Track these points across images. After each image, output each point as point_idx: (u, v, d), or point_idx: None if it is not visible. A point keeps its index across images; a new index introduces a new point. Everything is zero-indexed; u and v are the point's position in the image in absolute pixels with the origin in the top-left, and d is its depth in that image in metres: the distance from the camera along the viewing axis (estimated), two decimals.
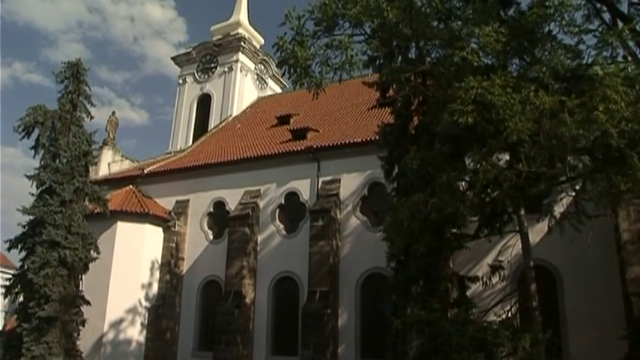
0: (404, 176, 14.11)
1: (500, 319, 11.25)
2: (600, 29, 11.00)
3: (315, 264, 19.71)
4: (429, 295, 13.00)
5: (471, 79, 8.14)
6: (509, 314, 11.46)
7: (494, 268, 14.18)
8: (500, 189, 8.69)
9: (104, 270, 20.83)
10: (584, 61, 11.67)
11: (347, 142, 21.09)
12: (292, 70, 9.87)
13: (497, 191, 9.09)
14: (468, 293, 14.56)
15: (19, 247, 18.43)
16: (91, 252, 17.76)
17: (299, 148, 21.99)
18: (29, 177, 18.79)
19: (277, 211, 22.09)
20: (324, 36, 9.61)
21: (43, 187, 18.24)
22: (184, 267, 23.37)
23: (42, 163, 18.98)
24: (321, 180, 21.38)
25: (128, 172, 26.49)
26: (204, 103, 32.30)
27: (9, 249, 18.99)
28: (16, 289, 17.89)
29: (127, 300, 21.65)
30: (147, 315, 22.00)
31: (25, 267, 17.07)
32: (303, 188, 21.76)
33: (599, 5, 13.99)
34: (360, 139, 20.74)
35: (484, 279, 14.66)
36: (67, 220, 16.96)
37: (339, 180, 21.09)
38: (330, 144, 21.41)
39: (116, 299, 21.32)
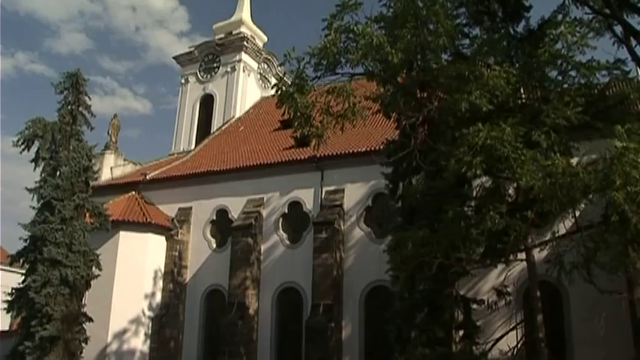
0: (409, 198, 13.84)
1: (505, 357, 11.01)
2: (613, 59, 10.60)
3: (319, 277, 19.54)
4: (433, 322, 12.82)
5: (479, 126, 7.80)
6: (515, 351, 11.22)
7: (500, 293, 13.96)
8: (508, 238, 8.39)
9: (107, 280, 20.63)
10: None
11: (351, 151, 20.75)
12: (293, 115, 9.55)
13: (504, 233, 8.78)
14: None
15: (22, 261, 18.36)
16: (93, 269, 17.62)
17: (302, 157, 21.66)
18: (30, 190, 18.64)
19: (281, 220, 21.88)
20: (324, 75, 9.27)
21: (44, 201, 18.06)
22: (187, 275, 23.24)
23: (42, 176, 18.83)
24: (324, 189, 21.13)
25: (130, 177, 26.27)
26: (207, 103, 31.88)
27: (11, 263, 18.95)
28: (19, 304, 17.81)
29: (131, 310, 21.57)
30: (150, 325, 21.94)
31: (27, 284, 16.93)
32: (307, 198, 21.52)
33: (610, 20, 13.53)
34: (364, 149, 20.41)
35: (489, 301, 14.48)
36: (67, 237, 16.79)
37: (343, 190, 20.83)
38: (334, 153, 21.06)
39: (119, 309, 21.25)
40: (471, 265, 13.00)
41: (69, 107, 19.53)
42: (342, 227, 20.36)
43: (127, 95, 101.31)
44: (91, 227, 17.74)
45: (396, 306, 13.72)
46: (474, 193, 11.39)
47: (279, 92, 9.53)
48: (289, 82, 9.32)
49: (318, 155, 21.19)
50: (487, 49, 9.26)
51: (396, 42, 8.55)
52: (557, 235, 9.31)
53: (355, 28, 8.73)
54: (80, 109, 19.73)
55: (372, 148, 19.88)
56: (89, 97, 20.05)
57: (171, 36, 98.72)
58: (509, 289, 14.00)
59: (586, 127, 9.51)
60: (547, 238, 9.55)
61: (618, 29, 13.93)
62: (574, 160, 12.66)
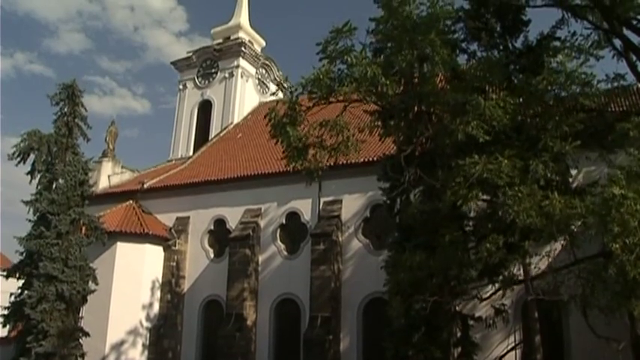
0: (405, 217, 13.69)
1: None
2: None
3: (316, 289, 19.44)
4: (430, 342, 12.70)
5: (475, 157, 7.67)
6: None
7: (498, 311, 13.83)
8: (505, 270, 8.28)
9: (104, 291, 20.53)
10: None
11: (348, 162, 20.54)
12: (286, 148, 9.42)
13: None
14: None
15: (17, 274, 18.28)
16: (89, 283, 17.53)
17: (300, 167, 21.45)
18: (26, 202, 18.56)
19: (278, 230, 21.77)
20: (319, 103, 9.13)
21: (39, 214, 17.96)
22: (185, 285, 23.16)
23: (38, 188, 18.76)
24: (322, 200, 20.98)
25: (128, 185, 26.18)
26: (205, 109, 31.75)
27: (7, 277, 18.84)
28: (15, 318, 17.73)
29: (128, 321, 21.51)
30: (148, 336, 21.88)
31: (23, 299, 16.83)
32: (304, 208, 21.40)
33: (610, 34, 13.40)
34: (361, 160, 20.22)
35: (487, 319, 14.34)
36: (63, 252, 16.70)
37: (341, 201, 20.71)
38: (332, 163, 20.82)
39: (117, 320, 21.17)
40: (468, 285, 12.90)
41: (65, 119, 19.43)
42: (340, 239, 20.26)
43: (126, 95, 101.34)
44: (87, 242, 17.62)
45: (393, 325, 13.61)
46: (472, 212, 11.25)
47: (271, 121, 9.40)
48: (282, 112, 9.19)
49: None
50: (484, 73, 9.08)
51: (391, 65, 8.41)
52: (554, 267, 9.19)
53: (349, 58, 8.59)
54: (76, 120, 19.64)
55: (370, 159, 19.76)
56: (85, 109, 20.00)
57: (170, 36, 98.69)
58: (506, 307, 13.85)
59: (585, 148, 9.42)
60: (544, 267, 9.43)
61: (618, 42, 13.84)
62: (572, 172, 12.64)
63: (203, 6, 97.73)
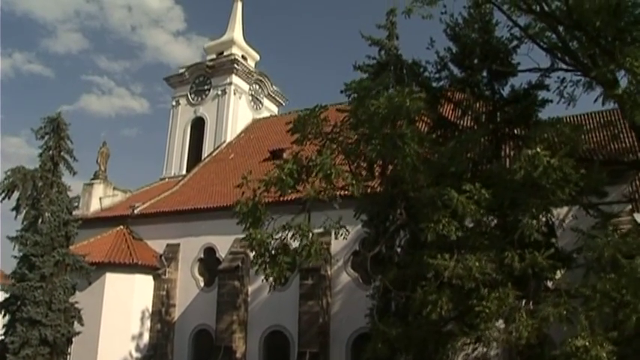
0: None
1: None
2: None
3: (305, 324, 19.30)
4: None
5: (446, 259, 7.43)
6: None
7: None
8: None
9: (93, 322, 20.45)
10: None
11: (339, 194, 20.28)
12: (250, 248, 9.23)
13: None
14: None
15: (3, 312, 18.16)
16: (75, 324, 17.37)
17: (289, 198, 21.21)
18: (11, 239, 18.42)
19: None
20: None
21: (22, 254, 17.81)
22: (176, 314, 23.03)
23: (24, 224, 18.62)
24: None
25: (119, 209, 26.00)
26: (198, 126, 31.51)
27: None
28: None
29: (118, 352, 21.39)
30: None
31: (5, 344, 16.70)
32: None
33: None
34: (350, 193, 19.93)
35: None
36: (47, 295, 16.53)
37: (330, 233, 20.41)
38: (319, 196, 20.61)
39: (106, 352, 21.04)
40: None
41: (50, 153, 19.21)
42: (329, 272, 20.07)
43: (125, 95, 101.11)
44: (71, 284, 17.41)
45: None
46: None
47: (236, 214, 9.20)
48: (248, 205, 8.99)
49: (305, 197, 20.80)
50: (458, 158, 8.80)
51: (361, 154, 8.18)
52: None
53: (313, 160, 8.35)
54: (62, 154, 19.43)
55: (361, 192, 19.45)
56: (71, 141, 19.78)
57: (168, 35, 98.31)
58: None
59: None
60: None
61: None
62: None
63: (200, 5, 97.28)
